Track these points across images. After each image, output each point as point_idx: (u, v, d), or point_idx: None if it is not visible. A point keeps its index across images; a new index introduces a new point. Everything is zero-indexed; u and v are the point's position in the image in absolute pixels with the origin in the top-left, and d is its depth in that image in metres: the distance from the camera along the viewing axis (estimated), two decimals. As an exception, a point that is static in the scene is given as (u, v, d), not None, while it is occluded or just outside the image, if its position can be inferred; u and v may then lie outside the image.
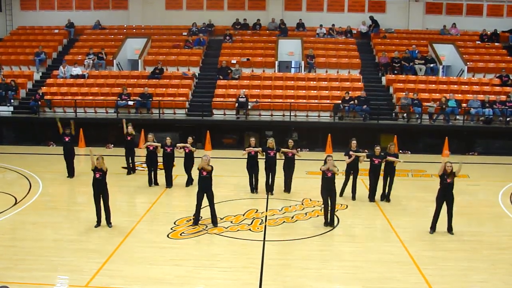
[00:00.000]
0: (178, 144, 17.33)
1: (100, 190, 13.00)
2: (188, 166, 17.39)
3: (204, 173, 13.08)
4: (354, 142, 16.05)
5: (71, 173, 18.50)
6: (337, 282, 10.33)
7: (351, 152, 15.62)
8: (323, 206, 13.62)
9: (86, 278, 10.12)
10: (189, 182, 17.45)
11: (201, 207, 13.24)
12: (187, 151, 17.17)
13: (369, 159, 15.51)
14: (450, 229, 12.99)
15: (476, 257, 11.64)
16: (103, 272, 10.47)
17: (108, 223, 13.16)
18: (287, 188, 16.66)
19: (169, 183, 17.30)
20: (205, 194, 13.18)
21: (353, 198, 15.86)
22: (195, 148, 17.48)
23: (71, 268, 10.65)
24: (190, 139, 17.23)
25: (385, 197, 15.72)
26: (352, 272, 10.73)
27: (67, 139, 18.38)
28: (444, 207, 12.94)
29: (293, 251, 11.96)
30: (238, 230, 13.23)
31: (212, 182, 13.24)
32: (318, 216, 14.37)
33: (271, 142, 16.21)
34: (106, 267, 10.74)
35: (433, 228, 13.08)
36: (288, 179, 16.64)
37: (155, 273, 10.49)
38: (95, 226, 13.05)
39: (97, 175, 12.95)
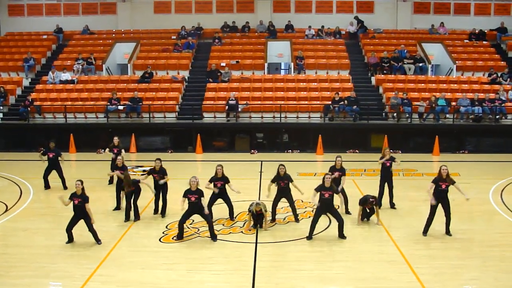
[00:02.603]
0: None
1: (80, 216, 12.24)
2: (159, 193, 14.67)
3: (193, 199, 12.47)
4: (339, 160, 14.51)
5: (61, 185, 17.60)
6: (329, 282, 10.34)
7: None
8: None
9: (78, 284, 10.09)
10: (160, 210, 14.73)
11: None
12: (157, 178, 14.44)
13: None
14: (448, 232, 12.90)
15: (467, 255, 11.71)
16: (95, 278, 10.44)
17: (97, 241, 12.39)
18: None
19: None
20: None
21: (346, 211, 14.46)
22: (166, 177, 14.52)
23: (63, 274, 10.63)
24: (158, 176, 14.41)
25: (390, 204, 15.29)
26: (345, 272, 10.76)
27: (51, 156, 17.56)
28: (441, 210, 12.77)
29: (285, 252, 11.98)
30: (230, 233, 13.23)
31: (203, 205, 12.54)
32: (309, 217, 14.36)
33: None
34: (98, 272, 10.71)
35: (425, 232, 12.94)
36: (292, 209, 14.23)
37: (148, 278, 10.47)
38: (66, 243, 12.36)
39: (76, 202, 12.15)
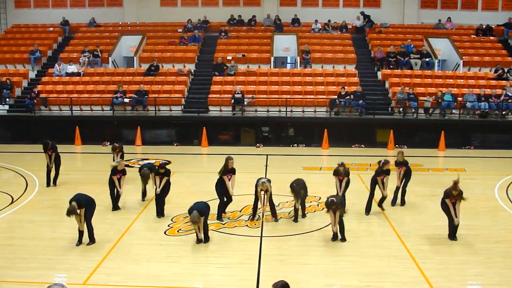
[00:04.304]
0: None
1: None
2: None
3: None
4: None
5: (49, 182, 17.04)
6: (334, 277, 10.34)
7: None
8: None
9: (83, 276, 10.13)
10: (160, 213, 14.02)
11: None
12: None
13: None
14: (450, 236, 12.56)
15: (472, 250, 11.70)
16: (101, 270, 10.48)
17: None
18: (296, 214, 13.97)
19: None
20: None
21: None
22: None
23: (68, 266, 10.67)
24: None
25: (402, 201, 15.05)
26: (349, 267, 10.75)
27: (50, 153, 16.76)
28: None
29: (290, 246, 11.98)
30: (235, 226, 13.25)
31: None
32: (314, 211, 14.39)
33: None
34: (103, 265, 10.75)
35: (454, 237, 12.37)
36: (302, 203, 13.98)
37: (153, 270, 10.50)
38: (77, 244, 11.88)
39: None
